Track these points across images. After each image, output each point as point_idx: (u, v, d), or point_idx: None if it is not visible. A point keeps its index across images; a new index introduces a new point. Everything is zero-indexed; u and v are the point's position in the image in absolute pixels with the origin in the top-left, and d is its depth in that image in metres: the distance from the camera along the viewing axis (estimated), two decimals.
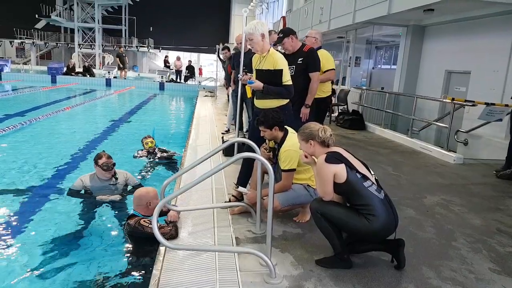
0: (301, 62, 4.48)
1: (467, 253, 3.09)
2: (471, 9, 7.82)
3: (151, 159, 6.53)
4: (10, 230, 4.00)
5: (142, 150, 6.76)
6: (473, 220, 3.84)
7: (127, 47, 35.41)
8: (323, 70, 5.01)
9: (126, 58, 22.68)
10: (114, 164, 4.66)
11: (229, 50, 8.42)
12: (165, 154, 6.67)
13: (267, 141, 3.71)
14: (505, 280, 2.73)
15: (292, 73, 4.24)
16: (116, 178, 4.69)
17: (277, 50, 3.98)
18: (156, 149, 6.73)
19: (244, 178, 3.85)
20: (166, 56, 26.53)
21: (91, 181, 4.61)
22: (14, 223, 4.17)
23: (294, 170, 3.39)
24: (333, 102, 9.53)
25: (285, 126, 3.55)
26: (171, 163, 6.51)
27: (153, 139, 6.84)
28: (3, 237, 3.83)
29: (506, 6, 6.87)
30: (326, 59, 5.11)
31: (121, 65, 21.85)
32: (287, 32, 4.56)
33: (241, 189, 3.66)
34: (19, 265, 3.38)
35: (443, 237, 3.38)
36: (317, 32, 5.45)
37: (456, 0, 6.73)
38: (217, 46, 16.34)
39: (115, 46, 35.64)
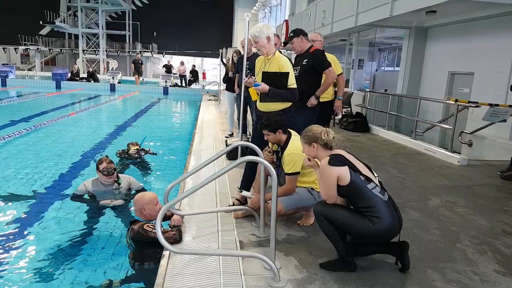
0: (305, 63, 4.52)
1: (472, 255, 3.08)
2: (473, 10, 7.80)
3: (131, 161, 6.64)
4: (14, 235, 4.02)
5: (122, 150, 6.83)
6: (478, 222, 3.82)
7: (131, 52, 35.61)
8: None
9: (142, 65, 22.78)
10: (115, 169, 4.67)
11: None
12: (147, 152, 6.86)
13: (270, 144, 3.72)
14: (510, 282, 2.71)
15: (296, 74, 4.26)
16: (119, 183, 4.70)
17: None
18: (141, 152, 6.78)
19: (247, 181, 3.85)
20: (168, 61, 26.60)
21: (94, 186, 4.62)
22: (18, 228, 4.19)
23: (298, 173, 3.39)
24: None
25: (289, 129, 3.55)
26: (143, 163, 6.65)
27: (139, 146, 6.88)
28: (7, 242, 3.86)
29: (509, 7, 6.85)
30: (334, 63, 5.07)
31: (135, 72, 21.90)
32: (297, 32, 4.61)
33: (244, 193, 3.66)
34: (23, 270, 3.40)
35: (448, 239, 3.37)
36: (320, 35, 5.45)
37: (458, 2, 6.71)
38: (220, 50, 16.41)
39: (119, 52, 35.88)
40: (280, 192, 3.36)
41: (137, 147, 6.80)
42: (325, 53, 5.08)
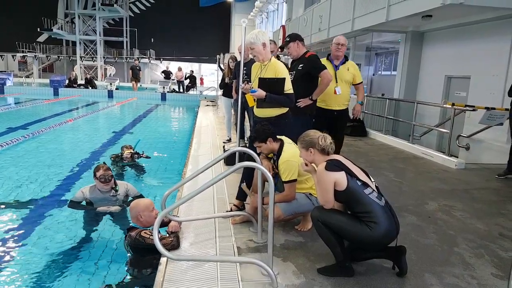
0: (301, 68, 4.52)
1: (469, 259, 3.08)
2: (469, 14, 7.86)
3: (126, 164, 6.74)
4: (12, 242, 4.02)
5: (115, 154, 6.89)
6: (475, 225, 3.82)
7: (128, 58, 35.65)
8: (355, 82, 5.18)
9: (140, 71, 22.78)
10: (112, 176, 4.65)
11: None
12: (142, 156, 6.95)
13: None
14: (507, 285, 2.71)
15: (291, 79, 4.27)
16: (116, 190, 4.68)
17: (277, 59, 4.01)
18: (134, 155, 6.86)
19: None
20: (167, 67, 26.67)
21: (91, 192, 4.61)
22: (16, 235, 4.18)
23: (295, 180, 3.38)
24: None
25: (281, 137, 3.54)
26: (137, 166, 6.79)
27: (133, 149, 6.94)
28: (5, 250, 3.85)
29: (504, 11, 6.91)
30: (356, 71, 5.19)
31: (133, 78, 21.87)
32: (293, 37, 4.63)
33: (244, 187, 3.64)
34: (20, 276, 3.39)
35: (445, 243, 3.37)
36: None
37: (453, 6, 6.75)
38: (217, 56, 16.44)
39: (116, 58, 35.92)
40: (280, 199, 3.36)
41: (131, 150, 6.85)
42: (350, 61, 5.20)
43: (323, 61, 4.90)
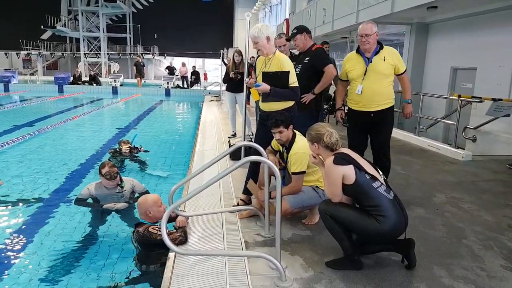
0: (307, 61, 4.48)
1: (478, 251, 3.07)
2: (474, 5, 7.78)
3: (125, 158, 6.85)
4: (19, 240, 4.04)
5: (114, 149, 7.02)
6: (483, 217, 3.80)
7: (132, 54, 35.68)
8: (399, 72, 4.05)
9: (144, 67, 22.73)
10: (117, 173, 4.65)
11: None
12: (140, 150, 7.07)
13: (273, 144, 3.69)
14: None
15: (297, 72, 4.24)
16: (122, 187, 4.68)
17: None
18: (133, 150, 6.98)
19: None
20: (171, 63, 26.67)
21: (97, 189, 4.61)
22: (23, 233, 4.20)
23: (304, 172, 3.38)
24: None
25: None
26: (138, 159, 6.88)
27: (130, 144, 7.05)
28: (12, 247, 3.87)
29: (510, 1, 6.83)
30: (397, 59, 4.02)
31: (137, 74, 21.88)
32: (300, 29, 4.56)
33: (250, 186, 3.60)
34: (29, 274, 3.41)
35: (454, 235, 3.36)
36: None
37: None
38: (221, 50, 16.41)
39: (120, 55, 35.97)
40: (286, 191, 3.36)
41: (129, 145, 6.92)
42: (387, 47, 4.04)
43: (353, 54, 4.15)
